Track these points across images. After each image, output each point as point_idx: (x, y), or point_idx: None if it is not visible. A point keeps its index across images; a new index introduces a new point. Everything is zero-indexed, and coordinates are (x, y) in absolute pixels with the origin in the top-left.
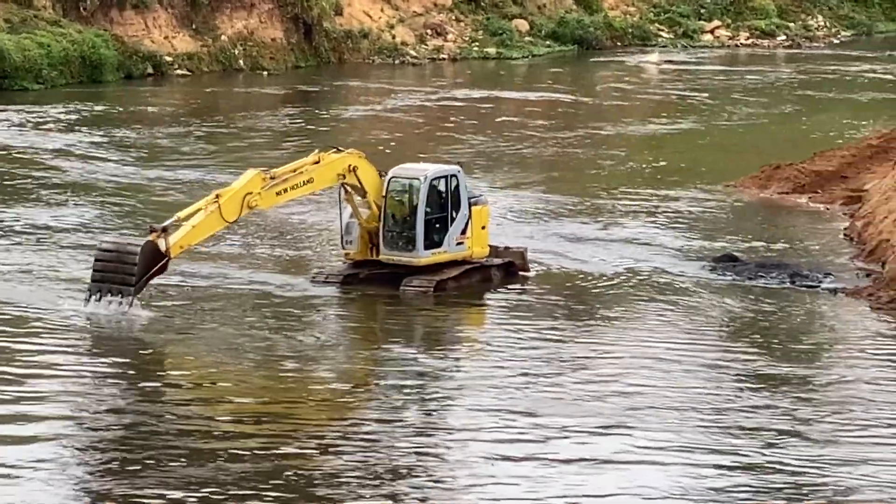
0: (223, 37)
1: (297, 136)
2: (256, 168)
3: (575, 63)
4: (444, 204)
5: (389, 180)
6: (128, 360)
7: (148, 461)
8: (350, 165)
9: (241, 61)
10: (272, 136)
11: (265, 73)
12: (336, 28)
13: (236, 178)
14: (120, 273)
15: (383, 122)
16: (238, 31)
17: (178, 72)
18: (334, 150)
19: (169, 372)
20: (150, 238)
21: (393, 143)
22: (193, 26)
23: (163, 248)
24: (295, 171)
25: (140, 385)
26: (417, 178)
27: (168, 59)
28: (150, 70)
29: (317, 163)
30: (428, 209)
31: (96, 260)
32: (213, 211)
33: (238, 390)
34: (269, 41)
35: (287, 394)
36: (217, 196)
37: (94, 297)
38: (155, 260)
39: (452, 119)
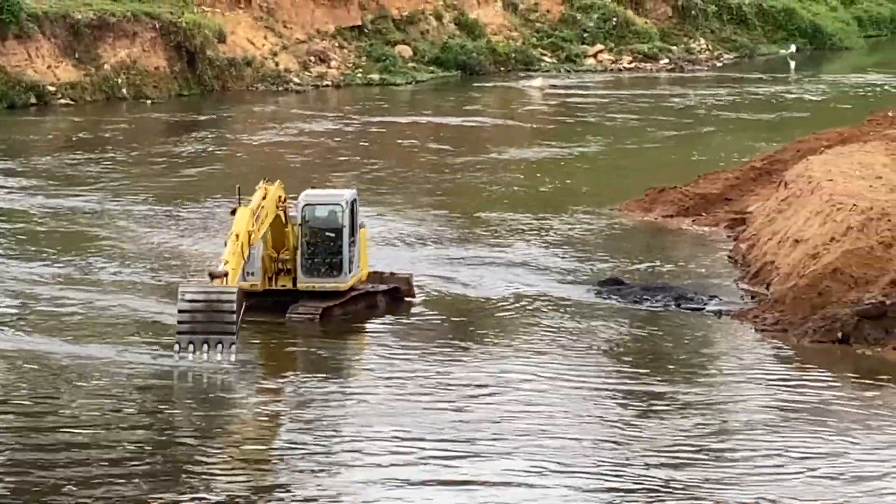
0: (106, 66)
1: (185, 165)
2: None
3: (459, 88)
4: (353, 228)
5: (304, 207)
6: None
7: None
8: (281, 196)
9: (124, 90)
10: (159, 165)
11: (149, 101)
12: (219, 56)
13: (132, 207)
14: (217, 322)
15: (270, 150)
16: (121, 60)
17: (62, 101)
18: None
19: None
20: (228, 283)
21: (280, 171)
22: (76, 55)
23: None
24: (257, 207)
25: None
26: (339, 203)
27: (51, 88)
28: (32, 100)
29: (264, 197)
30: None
31: (182, 311)
32: (237, 252)
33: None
34: (152, 69)
35: (163, 422)
36: (237, 236)
37: (188, 349)
38: (241, 304)
39: (337, 145)
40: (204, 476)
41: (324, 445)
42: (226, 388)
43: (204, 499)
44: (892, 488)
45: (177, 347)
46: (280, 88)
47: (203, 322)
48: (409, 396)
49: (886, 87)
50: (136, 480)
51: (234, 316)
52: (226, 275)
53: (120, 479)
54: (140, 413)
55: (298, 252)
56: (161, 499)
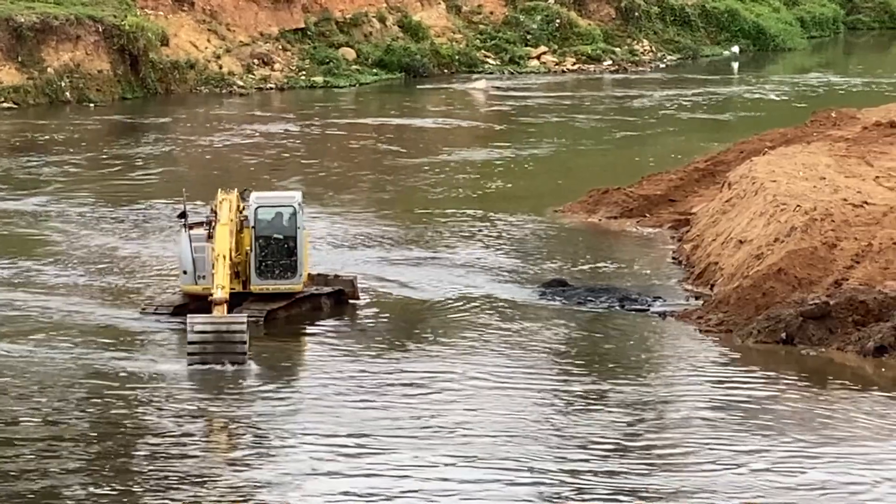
0: (49, 69)
1: (129, 168)
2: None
3: (402, 91)
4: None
5: (256, 209)
6: None
7: None
8: (239, 205)
9: (67, 93)
10: (103, 168)
11: (92, 105)
12: (162, 59)
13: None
14: (227, 352)
15: (214, 153)
16: (64, 64)
17: (4, 105)
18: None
19: None
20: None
21: (225, 173)
22: (19, 59)
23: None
24: (231, 222)
25: None
26: (291, 206)
27: None
28: None
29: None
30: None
31: (192, 343)
32: (229, 274)
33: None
34: (95, 73)
35: (108, 418)
36: (224, 257)
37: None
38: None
39: (281, 148)
40: (130, 469)
41: (244, 441)
42: (168, 388)
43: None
44: (825, 485)
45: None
46: (223, 91)
47: (213, 353)
48: (343, 395)
49: (829, 88)
50: (75, 476)
51: (245, 346)
52: (227, 301)
53: (60, 474)
54: (79, 411)
55: (252, 255)
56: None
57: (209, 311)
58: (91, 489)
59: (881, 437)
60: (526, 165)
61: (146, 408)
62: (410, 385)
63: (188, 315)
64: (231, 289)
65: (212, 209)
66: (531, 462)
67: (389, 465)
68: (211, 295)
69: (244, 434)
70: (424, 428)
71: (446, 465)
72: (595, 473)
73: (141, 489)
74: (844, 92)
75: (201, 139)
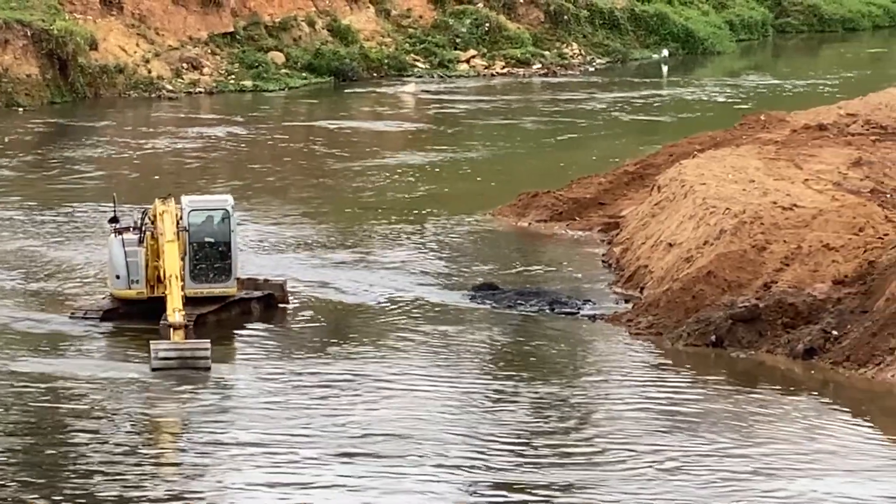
0: None
1: (57, 172)
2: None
3: (332, 94)
4: None
5: (189, 213)
6: None
7: None
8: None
9: None
10: (31, 171)
11: (20, 109)
12: (91, 63)
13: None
14: (191, 368)
15: (143, 157)
16: None
17: None
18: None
19: None
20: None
21: (155, 177)
22: None
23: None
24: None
25: None
26: (224, 209)
27: None
28: None
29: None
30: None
31: (156, 370)
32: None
33: None
34: (24, 77)
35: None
36: (175, 276)
37: None
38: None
39: (211, 152)
40: (62, 479)
41: (166, 448)
42: (95, 394)
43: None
44: (753, 488)
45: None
46: (153, 95)
47: (180, 370)
48: (267, 400)
49: (758, 91)
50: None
51: (209, 371)
52: (186, 326)
53: None
54: (4, 413)
55: (186, 258)
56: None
57: (139, 315)
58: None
59: (807, 438)
60: (457, 169)
61: (72, 411)
62: (334, 387)
63: (151, 342)
64: (162, 293)
65: (146, 215)
66: (449, 462)
67: (302, 465)
68: (144, 300)
69: (166, 435)
70: (340, 428)
71: (359, 464)
72: (507, 471)
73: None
74: (774, 95)
75: (131, 143)
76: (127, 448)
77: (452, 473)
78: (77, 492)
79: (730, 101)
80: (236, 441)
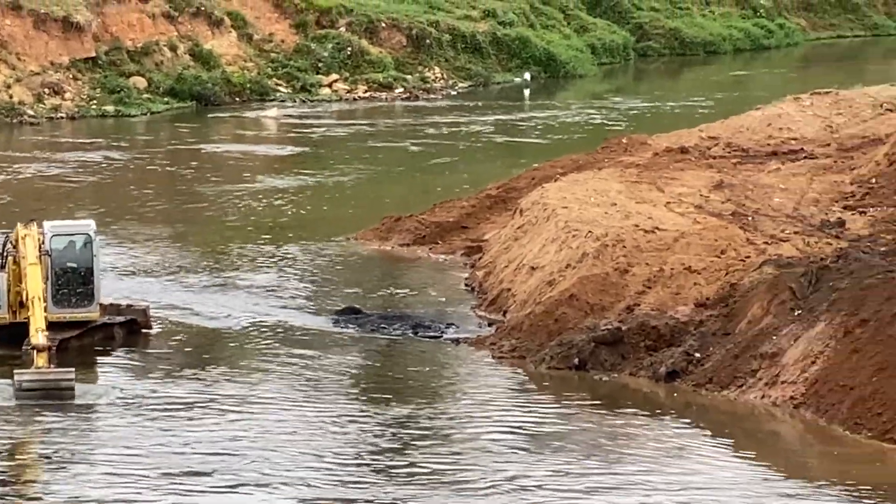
0: None
1: None
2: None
3: (194, 119)
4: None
5: (52, 238)
6: None
7: None
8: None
9: None
10: None
11: None
12: None
13: None
14: (56, 398)
15: (4, 183)
16: None
17: None
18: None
19: None
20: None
21: (16, 203)
22: None
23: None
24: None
25: None
26: (87, 233)
27: None
28: None
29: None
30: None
31: (20, 399)
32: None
33: None
34: None
35: None
36: (40, 299)
37: None
38: None
39: (74, 176)
40: None
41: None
42: None
43: None
44: None
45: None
46: (14, 121)
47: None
48: (126, 424)
49: (620, 114)
50: None
51: (74, 400)
52: (49, 348)
53: None
54: None
55: (48, 283)
56: None
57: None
58: None
59: (670, 460)
60: (321, 193)
61: None
62: (190, 409)
63: (14, 371)
64: (24, 318)
65: (7, 240)
66: (302, 484)
67: (139, 483)
68: (6, 326)
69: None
70: (183, 448)
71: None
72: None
73: None
74: (635, 118)
75: None
76: None
77: (297, 489)
78: None
79: (592, 124)
80: (83, 461)
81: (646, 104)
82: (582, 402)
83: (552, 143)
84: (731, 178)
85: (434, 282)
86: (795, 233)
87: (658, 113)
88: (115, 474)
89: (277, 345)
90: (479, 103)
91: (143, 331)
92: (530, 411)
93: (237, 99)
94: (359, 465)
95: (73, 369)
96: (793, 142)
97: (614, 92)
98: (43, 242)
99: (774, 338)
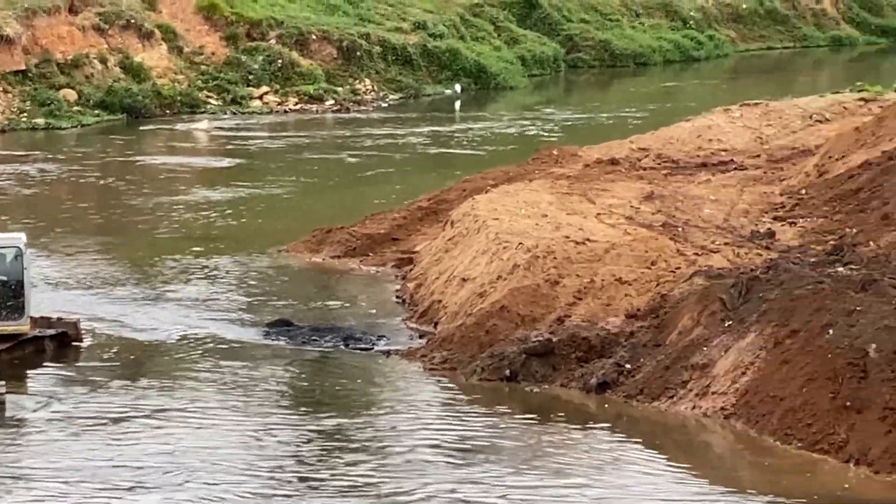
0: None
1: None
2: None
3: (125, 131)
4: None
5: None
6: None
7: None
8: None
9: None
10: None
11: None
12: None
13: None
14: None
15: None
16: None
17: None
18: None
19: None
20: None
21: None
22: None
23: None
24: None
25: None
26: (17, 246)
27: None
28: None
29: None
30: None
31: None
32: None
33: None
34: None
35: None
36: None
37: None
38: None
39: (5, 190)
40: None
41: None
42: None
43: None
44: None
45: None
46: None
47: None
48: (55, 438)
49: (551, 126)
50: None
51: (4, 413)
52: None
53: None
54: None
55: None
56: None
57: None
58: None
59: (601, 471)
60: (253, 205)
61: None
62: (117, 422)
63: None
64: None
65: None
66: (228, 496)
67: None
68: None
69: None
70: (107, 461)
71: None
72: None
73: None
74: (567, 129)
75: None
76: None
77: (222, 502)
78: None
79: (524, 135)
80: (8, 475)
81: (577, 115)
82: (513, 413)
83: (484, 155)
84: (662, 190)
85: (365, 294)
86: (726, 244)
87: (590, 124)
88: (40, 489)
89: (208, 357)
90: (410, 115)
91: (74, 344)
92: (460, 423)
93: (168, 111)
94: (286, 476)
95: (4, 382)
96: (723, 153)
97: (545, 103)
98: None
99: (705, 349)
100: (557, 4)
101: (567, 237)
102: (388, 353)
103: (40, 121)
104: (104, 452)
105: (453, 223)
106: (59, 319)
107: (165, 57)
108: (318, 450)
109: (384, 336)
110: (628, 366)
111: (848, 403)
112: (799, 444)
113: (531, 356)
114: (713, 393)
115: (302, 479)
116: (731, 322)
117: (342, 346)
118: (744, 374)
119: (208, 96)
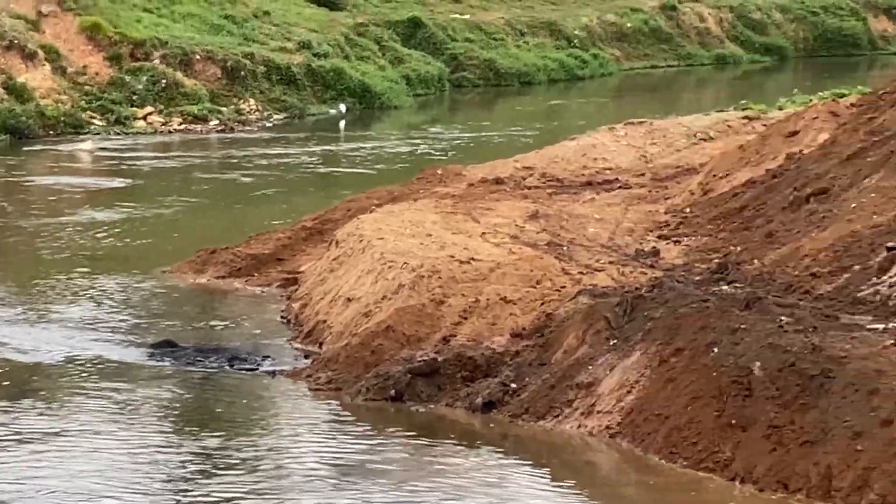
0: None
1: None
2: None
3: (7, 153)
4: None
5: None
6: None
7: None
8: None
9: None
10: None
11: None
12: None
13: None
14: None
15: None
16: None
17: None
18: None
19: None
20: None
21: None
22: None
23: None
24: None
25: None
26: None
27: None
28: None
29: None
30: None
31: None
32: None
33: None
34: None
35: None
36: None
37: None
38: None
39: None
40: None
41: None
42: None
43: None
44: None
45: None
46: None
47: None
48: None
49: (436, 145)
50: None
51: None
52: None
53: None
54: None
55: None
56: None
57: None
58: None
59: (486, 491)
60: (138, 226)
61: None
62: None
63: None
64: None
65: None
66: None
67: None
68: None
69: None
70: None
71: None
72: None
73: None
74: (454, 148)
75: None
76: None
77: None
78: None
79: (410, 155)
80: None
81: (464, 135)
82: (398, 433)
83: (370, 175)
84: (546, 209)
85: (250, 314)
86: (610, 262)
87: (477, 143)
88: None
89: (91, 378)
90: (296, 135)
91: None
92: (344, 442)
93: (51, 132)
94: (164, 495)
95: None
96: (607, 172)
97: (431, 122)
98: None
99: (590, 367)
100: (442, 24)
101: (452, 256)
102: (273, 374)
103: None
104: None
105: (338, 243)
106: None
107: (49, 77)
108: (197, 470)
109: (269, 356)
110: (514, 385)
111: (733, 421)
112: (684, 463)
113: (416, 376)
114: (598, 412)
115: (177, 497)
116: (616, 341)
117: (227, 367)
118: (629, 392)
119: (92, 116)
